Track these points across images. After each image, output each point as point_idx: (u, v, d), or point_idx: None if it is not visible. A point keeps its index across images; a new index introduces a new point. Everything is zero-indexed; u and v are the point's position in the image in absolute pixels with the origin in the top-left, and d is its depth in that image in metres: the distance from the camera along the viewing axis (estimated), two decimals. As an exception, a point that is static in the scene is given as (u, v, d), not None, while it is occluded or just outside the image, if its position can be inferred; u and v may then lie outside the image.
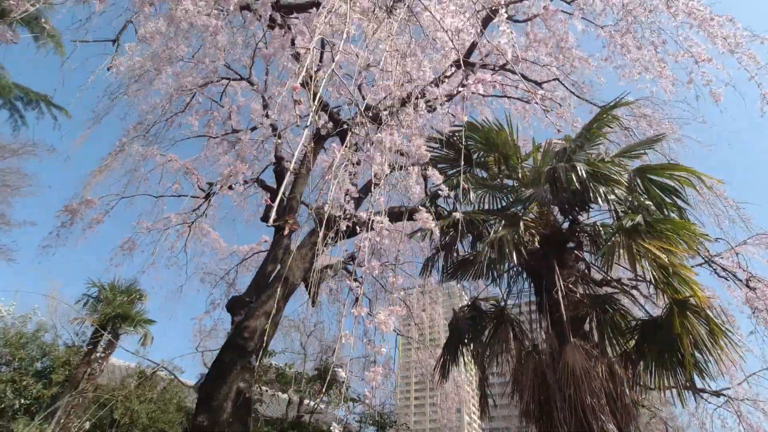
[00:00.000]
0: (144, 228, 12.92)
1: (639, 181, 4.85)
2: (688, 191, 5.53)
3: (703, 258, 5.14)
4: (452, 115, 6.22)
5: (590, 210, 5.19)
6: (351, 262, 13.17)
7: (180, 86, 10.38)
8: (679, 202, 4.78)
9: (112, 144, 9.15)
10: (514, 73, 8.32)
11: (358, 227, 7.80)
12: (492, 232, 4.80)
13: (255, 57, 5.54)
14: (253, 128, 11.89)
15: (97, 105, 8.21)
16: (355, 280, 13.85)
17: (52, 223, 9.04)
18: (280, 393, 10.56)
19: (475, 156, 6.22)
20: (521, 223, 4.77)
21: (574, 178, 4.42)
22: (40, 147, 11.03)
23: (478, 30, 7.75)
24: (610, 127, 5.66)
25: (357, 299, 10.54)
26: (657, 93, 7.46)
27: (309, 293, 11.16)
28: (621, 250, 4.20)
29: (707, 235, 4.91)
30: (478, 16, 8.07)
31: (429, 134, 6.86)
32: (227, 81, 10.75)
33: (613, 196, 4.44)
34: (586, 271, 5.23)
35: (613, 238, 4.44)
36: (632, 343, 5.03)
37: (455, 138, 5.94)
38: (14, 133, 8.34)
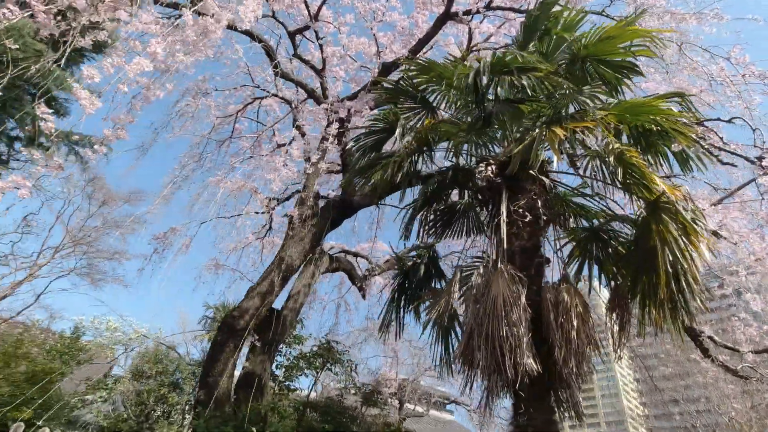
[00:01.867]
0: (228, 249, 14.54)
1: (588, 65, 3.81)
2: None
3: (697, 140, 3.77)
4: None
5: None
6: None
7: (223, 114, 11.74)
8: (636, 78, 3.62)
9: (159, 171, 10.65)
10: (502, 9, 7.49)
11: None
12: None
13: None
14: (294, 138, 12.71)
15: (144, 137, 9.65)
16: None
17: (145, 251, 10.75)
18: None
19: (441, 106, 5.62)
20: (401, 128, 4.15)
21: (471, 76, 3.68)
22: (141, 193, 13.38)
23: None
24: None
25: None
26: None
27: (357, 287, 11.23)
28: (517, 141, 3.33)
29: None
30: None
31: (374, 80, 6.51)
32: (260, 100, 11.79)
33: (526, 83, 3.54)
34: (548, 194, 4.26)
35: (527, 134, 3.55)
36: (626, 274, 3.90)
37: (406, 83, 5.46)
38: (84, 169, 10.39)
